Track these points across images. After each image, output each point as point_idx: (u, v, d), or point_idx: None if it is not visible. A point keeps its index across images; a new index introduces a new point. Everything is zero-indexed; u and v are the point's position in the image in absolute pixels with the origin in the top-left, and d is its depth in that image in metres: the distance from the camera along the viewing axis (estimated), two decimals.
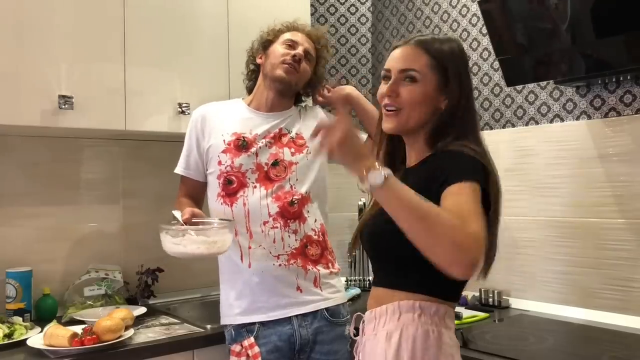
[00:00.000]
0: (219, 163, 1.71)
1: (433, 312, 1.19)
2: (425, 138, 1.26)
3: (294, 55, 1.72)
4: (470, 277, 1.04)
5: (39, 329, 1.76)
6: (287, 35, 1.77)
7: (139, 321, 1.89)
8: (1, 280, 1.92)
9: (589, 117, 2.01)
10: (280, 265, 1.66)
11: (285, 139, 1.76)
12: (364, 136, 1.78)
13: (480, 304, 2.19)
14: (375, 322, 1.24)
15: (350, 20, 2.86)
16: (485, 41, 2.30)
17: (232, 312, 1.69)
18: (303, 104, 1.90)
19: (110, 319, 1.67)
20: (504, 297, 2.18)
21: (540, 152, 2.12)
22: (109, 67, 1.92)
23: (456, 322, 1.89)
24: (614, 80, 1.92)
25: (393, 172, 1.08)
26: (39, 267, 2.02)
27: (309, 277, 1.69)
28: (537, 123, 2.16)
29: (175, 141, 1.88)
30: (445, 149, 1.19)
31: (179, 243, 1.49)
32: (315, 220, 1.74)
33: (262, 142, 1.72)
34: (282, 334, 1.65)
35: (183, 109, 2.05)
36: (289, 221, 1.68)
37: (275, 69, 1.73)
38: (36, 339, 1.64)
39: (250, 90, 1.86)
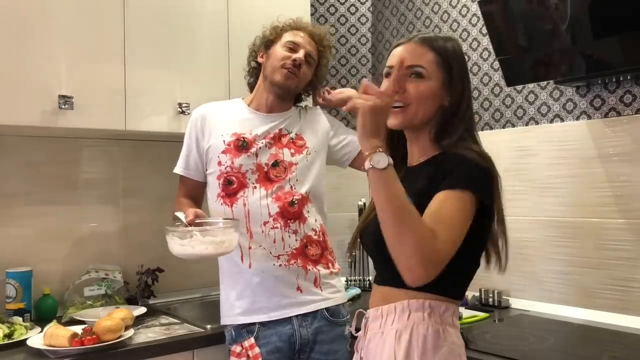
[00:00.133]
0: (219, 163, 1.71)
1: (442, 311, 1.19)
2: (429, 135, 1.26)
3: (294, 60, 1.71)
4: (417, 285, 1.08)
5: (39, 329, 1.76)
6: (289, 37, 1.75)
7: (139, 321, 1.89)
8: (1, 280, 1.93)
9: (589, 117, 2.01)
10: (280, 265, 1.66)
11: (285, 140, 1.75)
12: None
13: (480, 304, 2.19)
14: (381, 319, 1.23)
15: (350, 20, 2.86)
16: (485, 41, 2.30)
17: (233, 313, 1.69)
18: (303, 104, 1.90)
19: (110, 319, 1.67)
20: (504, 297, 2.18)
21: (540, 152, 2.12)
22: (109, 67, 1.92)
23: None
24: (614, 80, 1.92)
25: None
26: (39, 267, 2.02)
27: (309, 278, 1.69)
28: (537, 123, 2.16)
29: (175, 141, 1.88)
30: (452, 151, 1.19)
31: (187, 244, 1.49)
32: (315, 220, 1.74)
33: (262, 143, 1.72)
34: (282, 334, 1.65)
35: (183, 109, 2.05)
36: (289, 221, 1.68)
37: (275, 73, 1.72)
38: (36, 339, 1.64)
39: (251, 87, 1.86)
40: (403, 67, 1.22)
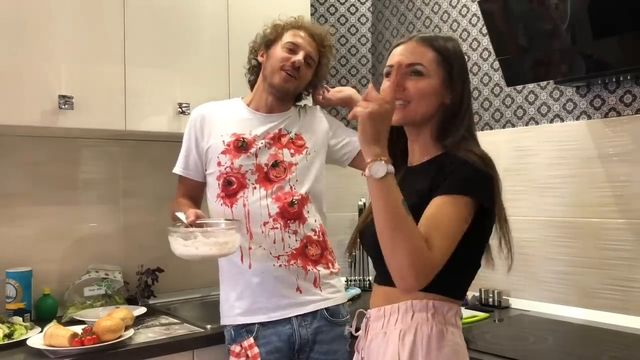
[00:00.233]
0: (219, 164, 1.71)
1: (446, 311, 1.19)
2: (431, 134, 1.26)
3: (294, 62, 1.70)
4: (409, 292, 1.12)
5: (39, 329, 1.76)
6: (289, 37, 1.73)
7: (139, 321, 1.89)
8: (1, 280, 1.93)
9: (589, 117, 2.01)
10: (280, 265, 1.66)
11: (284, 140, 1.75)
12: None
13: (480, 304, 2.19)
14: (384, 319, 1.23)
15: (350, 20, 2.86)
16: (485, 41, 2.30)
17: (233, 313, 1.69)
18: (302, 104, 1.89)
19: (110, 319, 1.67)
20: (504, 297, 2.19)
21: (540, 152, 2.12)
22: (109, 67, 1.92)
23: None
24: (614, 80, 1.92)
25: (396, 171, 1.11)
26: (39, 267, 2.02)
27: (309, 278, 1.69)
28: (537, 123, 2.16)
29: (175, 141, 1.88)
30: (454, 153, 1.19)
31: (190, 245, 1.49)
32: (315, 221, 1.73)
33: (262, 143, 1.72)
34: (282, 334, 1.65)
35: (183, 109, 2.05)
36: (289, 222, 1.68)
37: (274, 75, 1.72)
38: (36, 339, 1.64)
39: (252, 85, 1.85)
40: (403, 66, 1.23)
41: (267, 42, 1.77)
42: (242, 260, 1.66)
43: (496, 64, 2.25)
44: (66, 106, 1.81)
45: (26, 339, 1.65)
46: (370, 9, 2.87)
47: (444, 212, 1.11)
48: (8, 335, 1.69)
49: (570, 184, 2.03)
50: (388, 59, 1.29)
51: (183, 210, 1.61)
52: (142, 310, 1.97)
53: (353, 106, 1.83)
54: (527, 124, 2.19)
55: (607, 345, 1.71)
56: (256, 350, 1.62)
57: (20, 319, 1.85)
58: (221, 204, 1.70)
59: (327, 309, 1.70)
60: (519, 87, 2.21)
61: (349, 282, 2.56)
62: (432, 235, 1.08)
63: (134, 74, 1.96)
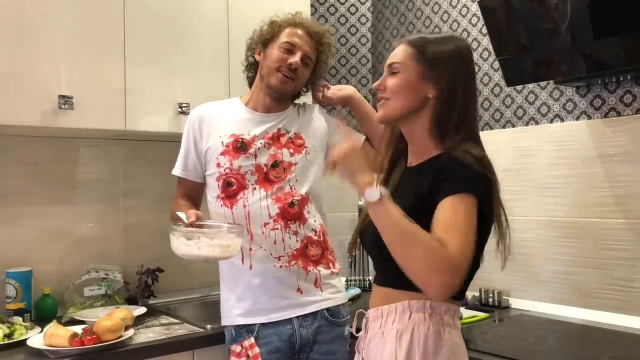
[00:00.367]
0: (218, 165, 1.70)
1: (443, 312, 1.20)
2: (426, 133, 1.26)
3: (290, 64, 1.68)
4: (444, 297, 1.12)
5: (39, 329, 1.76)
6: (286, 37, 1.71)
7: (139, 321, 1.89)
8: (1, 280, 1.92)
9: (589, 117, 2.01)
10: (281, 266, 1.66)
11: (283, 139, 1.74)
12: (361, 137, 1.78)
13: (480, 304, 2.19)
14: (382, 320, 1.23)
15: (350, 20, 2.86)
16: (485, 41, 2.30)
17: (233, 314, 1.68)
18: (302, 102, 1.88)
19: (110, 319, 1.67)
20: (504, 297, 2.19)
21: (540, 152, 2.12)
22: (109, 67, 1.92)
23: None
24: (614, 80, 1.92)
25: (396, 170, 1.16)
26: (39, 267, 2.02)
27: (309, 279, 1.69)
28: (537, 123, 2.16)
29: (175, 141, 1.88)
30: (452, 153, 1.19)
31: (193, 245, 1.48)
32: (315, 221, 1.73)
33: (261, 143, 1.71)
34: (283, 334, 1.65)
35: (183, 109, 2.05)
36: (289, 222, 1.67)
37: (271, 76, 1.70)
38: (36, 339, 1.64)
39: (250, 82, 1.83)
40: (385, 68, 1.30)
41: (264, 41, 1.75)
42: (242, 261, 1.66)
43: (496, 64, 2.25)
44: (66, 106, 1.81)
45: (26, 339, 1.65)
46: (370, 9, 2.87)
47: (455, 211, 1.12)
48: (8, 335, 1.69)
49: (570, 184, 2.03)
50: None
51: (183, 211, 1.61)
52: (142, 310, 1.97)
53: (352, 106, 1.83)
54: (527, 124, 2.19)
55: (607, 345, 1.71)
56: (257, 350, 1.62)
57: (20, 319, 1.85)
58: (221, 205, 1.70)
59: (327, 309, 1.70)
60: (519, 87, 2.21)
61: (349, 282, 2.56)
62: (449, 235, 1.09)
63: (134, 74, 1.96)
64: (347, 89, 1.86)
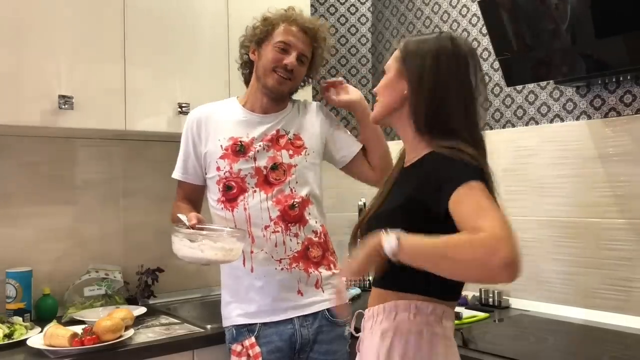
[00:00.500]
0: (217, 169, 1.69)
1: (430, 312, 1.19)
2: (409, 129, 1.26)
3: (286, 65, 1.67)
4: (519, 272, 1.02)
5: (39, 329, 1.76)
6: (280, 36, 1.68)
7: (139, 321, 1.89)
8: (1, 280, 1.92)
9: (589, 117, 2.01)
10: (282, 269, 1.65)
11: (282, 141, 1.73)
12: (356, 149, 1.78)
13: (480, 304, 2.19)
14: (372, 320, 1.25)
15: (350, 20, 2.86)
16: (485, 41, 2.30)
17: (234, 314, 1.68)
18: (302, 99, 1.87)
19: (110, 319, 1.67)
20: (504, 297, 2.18)
21: (540, 152, 2.12)
22: (109, 67, 1.92)
23: (456, 322, 1.89)
24: (614, 80, 1.92)
25: (395, 169, 1.17)
26: (39, 267, 2.02)
27: (310, 281, 1.68)
28: (537, 123, 2.16)
29: (175, 141, 1.88)
30: (437, 152, 1.19)
31: (196, 248, 1.48)
32: (317, 222, 1.73)
33: (260, 146, 1.69)
34: (283, 334, 1.65)
35: (183, 109, 2.04)
36: (289, 225, 1.67)
37: (267, 77, 1.69)
38: (36, 339, 1.64)
39: (246, 79, 1.82)
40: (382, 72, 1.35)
41: (258, 40, 1.72)
42: (244, 264, 1.66)
43: (496, 64, 2.25)
44: (66, 106, 1.81)
45: (26, 339, 1.65)
46: (370, 9, 2.87)
47: (467, 200, 1.08)
48: (8, 335, 1.69)
49: (570, 184, 2.03)
50: None
51: (184, 214, 1.61)
52: (142, 310, 1.97)
53: (355, 111, 1.81)
54: (527, 124, 2.19)
55: (607, 345, 1.71)
56: (257, 349, 1.62)
57: (20, 319, 1.85)
58: (222, 208, 1.69)
59: (328, 309, 1.70)
60: (519, 87, 2.21)
61: (349, 282, 2.56)
62: (479, 222, 1.04)
63: (134, 74, 1.96)
64: (354, 94, 1.81)
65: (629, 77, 1.88)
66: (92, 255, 2.17)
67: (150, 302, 2.18)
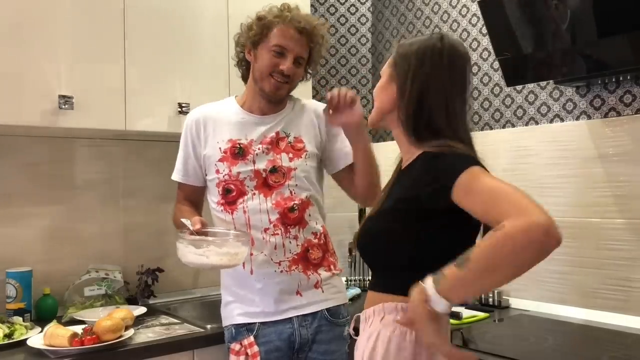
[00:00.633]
0: (217, 172, 1.69)
1: None
2: (401, 132, 1.27)
3: (282, 71, 1.64)
4: (558, 240, 1.07)
5: (39, 329, 1.76)
6: (276, 39, 1.65)
7: (139, 321, 1.89)
8: (1, 280, 1.93)
9: (589, 117, 2.01)
10: (282, 271, 1.65)
11: (282, 144, 1.71)
12: (343, 163, 1.76)
13: (480, 304, 2.19)
14: (365, 322, 1.26)
15: (350, 20, 2.86)
16: (485, 41, 2.30)
17: (234, 314, 1.68)
18: (301, 100, 1.83)
19: (110, 319, 1.67)
20: (504, 297, 2.18)
21: (540, 152, 2.12)
22: (109, 67, 1.92)
23: (456, 322, 1.90)
24: (613, 80, 1.92)
25: (394, 171, 1.16)
26: (39, 267, 2.02)
27: (310, 283, 1.68)
28: (537, 123, 2.16)
29: (175, 141, 1.88)
30: (430, 151, 1.19)
31: (202, 254, 1.48)
32: (317, 223, 1.72)
33: (259, 148, 1.68)
34: (282, 333, 1.65)
35: (183, 109, 2.05)
36: (289, 227, 1.66)
37: (264, 82, 1.67)
38: (36, 339, 1.64)
39: (244, 77, 1.80)
40: None
41: (254, 41, 1.69)
42: (243, 266, 1.65)
43: (496, 64, 2.25)
44: (66, 106, 1.81)
45: (26, 339, 1.65)
46: (370, 9, 2.87)
47: (478, 186, 1.07)
48: (8, 335, 1.69)
49: (570, 184, 2.03)
50: None
51: (187, 217, 1.60)
52: (142, 310, 1.98)
53: (349, 133, 1.73)
54: (527, 124, 2.19)
55: (607, 345, 1.71)
56: (256, 348, 1.62)
57: (21, 319, 1.85)
58: (222, 210, 1.69)
59: (327, 309, 1.69)
60: (518, 87, 2.21)
61: (349, 282, 2.56)
62: (500, 208, 1.03)
63: (134, 74, 1.96)
64: (350, 117, 1.65)
65: (628, 77, 1.88)
66: (92, 255, 2.17)
67: (150, 302, 2.18)
